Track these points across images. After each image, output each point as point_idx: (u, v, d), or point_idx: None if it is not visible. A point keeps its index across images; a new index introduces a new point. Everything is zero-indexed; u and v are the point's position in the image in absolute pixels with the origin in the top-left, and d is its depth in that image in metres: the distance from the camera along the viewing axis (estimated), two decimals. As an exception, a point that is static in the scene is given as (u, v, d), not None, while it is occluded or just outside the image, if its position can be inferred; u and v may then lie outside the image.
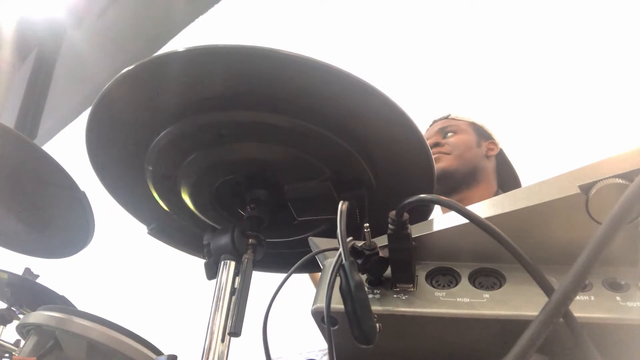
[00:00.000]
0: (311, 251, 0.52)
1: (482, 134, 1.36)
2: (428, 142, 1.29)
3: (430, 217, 0.75)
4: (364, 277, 0.44)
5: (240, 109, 0.61)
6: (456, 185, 1.26)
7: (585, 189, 0.39)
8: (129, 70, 0.59)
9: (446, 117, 1.39)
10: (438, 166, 1.23)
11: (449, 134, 1.33)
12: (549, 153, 1.54)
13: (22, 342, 1.14)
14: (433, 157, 1.26)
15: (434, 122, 1.41)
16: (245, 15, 2.64)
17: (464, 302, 0.41)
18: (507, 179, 1.36)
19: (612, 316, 0.37)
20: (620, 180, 0.38)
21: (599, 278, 0.39)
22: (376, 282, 0.44)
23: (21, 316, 1.41)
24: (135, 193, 0.76)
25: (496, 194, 1.29)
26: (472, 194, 1.26)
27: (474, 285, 0.42)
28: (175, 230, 0.81)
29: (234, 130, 0.64)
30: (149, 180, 0.72)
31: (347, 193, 0.65)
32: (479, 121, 1.39)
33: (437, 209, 1.06)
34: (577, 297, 0.38)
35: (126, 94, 0.63)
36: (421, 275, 0.44)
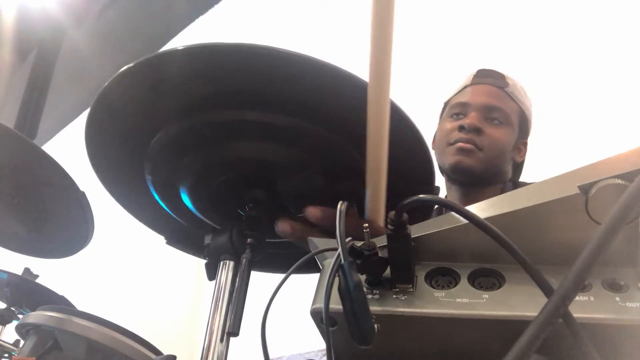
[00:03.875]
0: (310, 251, 0.52)
1: (524, 132, 1.19)
2: (470, 117, 1.11)
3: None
4: (363, 277, 0.44)
5: (233, 109, 0.61)
6: (474, 183, 1.15)
7: (585, 189, 0.39)
8: (128, 68, 0.59)
9: (503, 87, 1.14)
10: (465, 161, 1.08)
11: (495, 122, 1.12)
12: (548, 153, 1.54)
13: (22, 342, 1.14)
14: (465, 145, 1.10)
15: (486, 76, 1.15)
16: (245, 15, 2.64)
17: (464, 302, 0.41)
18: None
19: (611, 317, 0.37)
20: (619, 181, 0.37)
21: (599, 278, 0.39)
22: (375, 282, 0.44)
23: (20, 316, 1.41)
24: (144, 203, 0.75)
25: (504, 186, 1.18)
26: (486, 192, 1.15)
27: (474, 286, 0.42)
28: (192, 237, 0.80)
29: (224, 130, 0.63)
30: (152, 189, 0.72)
31: (341, 185, 0.65)
32: (528, 106, 1.19)
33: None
34: (577, 298, 0.37)
35: (124, 93, 0.63)
36: (420, 275, 0.44)
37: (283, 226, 0.67)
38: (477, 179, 1.12)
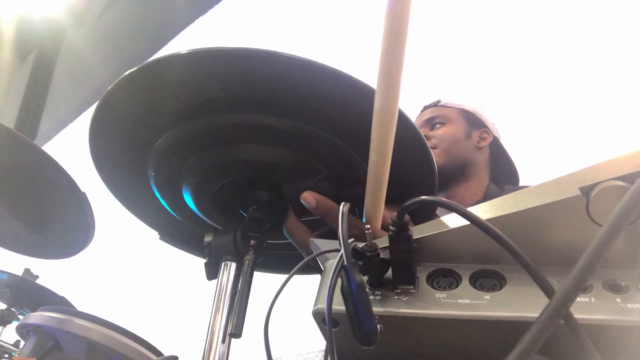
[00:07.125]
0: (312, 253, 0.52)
1: (474, 122, 1.29)
2: None
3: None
4: (364, 278, 0.44)
5: (237, 112, 0.61)
6: (444, 182, 1.21)
7: (586, 191, 0.39)
8: (131, 73, 0.59)
9: (435, 105, 1.33)
10: None
11: (438, 125, 1.27)
12: (550, 155, 1.55)
13: (22, 343, 1.14)
14: None
15: (424, 108, 1.34)
16: (246, 15, 2.64)
17: (465, 303, 0.41)
18: (502, 170, 1.31)
19: (612, 318, 0.37)
20: (620, 183, 0.38)
21: (599, 280, 0.39)
22: (377, 283, 0.44)
23: (21, 317, 1.41)
24: (141, 197, 0.75)
25: (488, 187, 1.24)
26: (462, 190, 1.22)
27: (475, 287, 0.42)
28: (186, 234, 0.80)
29: (230, 133, 0.64)
30: (153, 185, 0.72)
31: (347, 191, 0.65)
32: (471, 107, 1.32)
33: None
34: (578, 299, 0.38)
35: (128, 97, 0.63)
36: (422, 276, 0.44)
37: (308, 197, 0.64)
38: (448, 174, 1.20)
